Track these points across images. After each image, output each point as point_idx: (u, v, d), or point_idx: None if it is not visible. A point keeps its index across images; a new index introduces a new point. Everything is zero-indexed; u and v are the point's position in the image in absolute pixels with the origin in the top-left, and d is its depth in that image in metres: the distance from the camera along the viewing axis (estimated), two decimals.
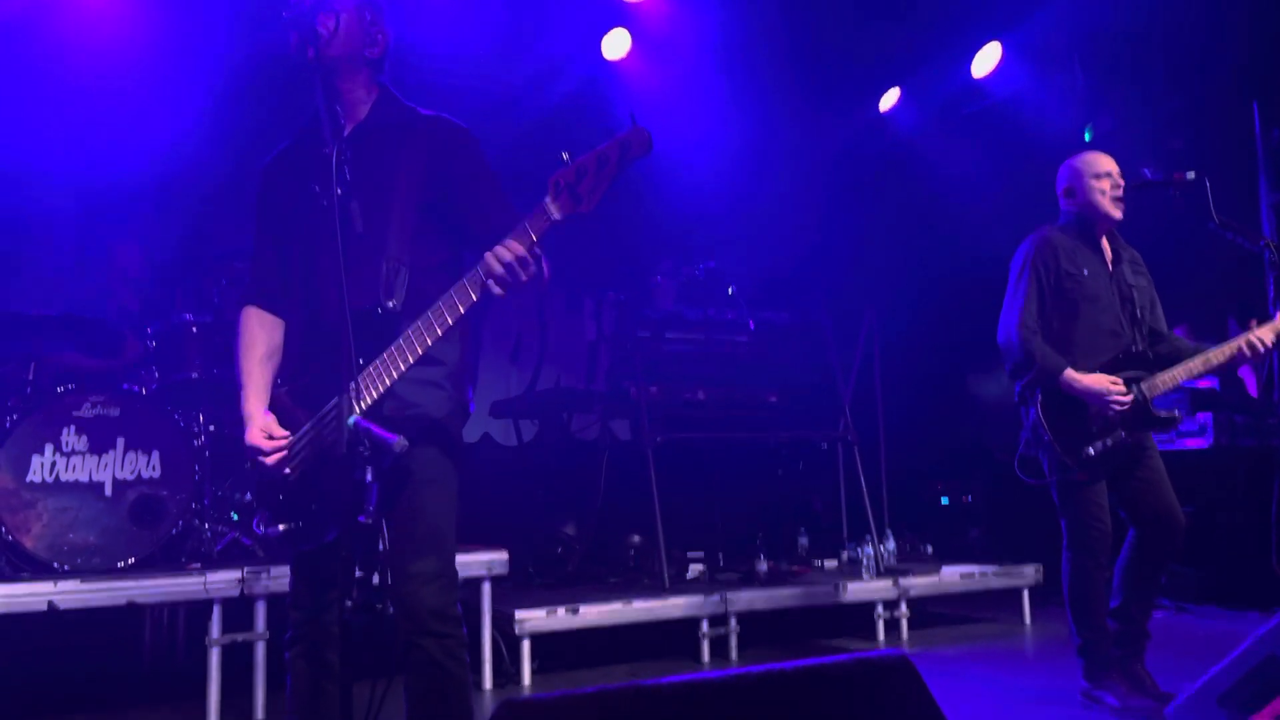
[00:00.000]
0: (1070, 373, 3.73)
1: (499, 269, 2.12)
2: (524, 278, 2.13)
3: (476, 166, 2.45)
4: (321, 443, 2.28)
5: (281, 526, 2.28)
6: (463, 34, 6.07)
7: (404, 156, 2.39)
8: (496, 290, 2.13)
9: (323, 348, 2.35)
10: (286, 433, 2.30)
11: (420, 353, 2.21)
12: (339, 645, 2.31)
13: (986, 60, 7.07)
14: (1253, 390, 6.62)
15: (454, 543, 2.41)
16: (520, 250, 2.12)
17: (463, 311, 2.18)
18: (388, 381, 2.22)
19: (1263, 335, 3.69)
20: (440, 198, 2.40)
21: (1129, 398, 3.70)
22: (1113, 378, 3.72)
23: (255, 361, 2.44)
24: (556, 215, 2.13)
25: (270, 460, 2.29)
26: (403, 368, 2.21)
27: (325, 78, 2.22)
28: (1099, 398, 3.69)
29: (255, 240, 2.57)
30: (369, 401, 2.17)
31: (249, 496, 4.50)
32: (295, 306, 2.47)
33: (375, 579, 1.91)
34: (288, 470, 2.30)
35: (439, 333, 2.19)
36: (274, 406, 2.38)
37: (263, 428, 2.31)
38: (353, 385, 2.02)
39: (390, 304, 2.26)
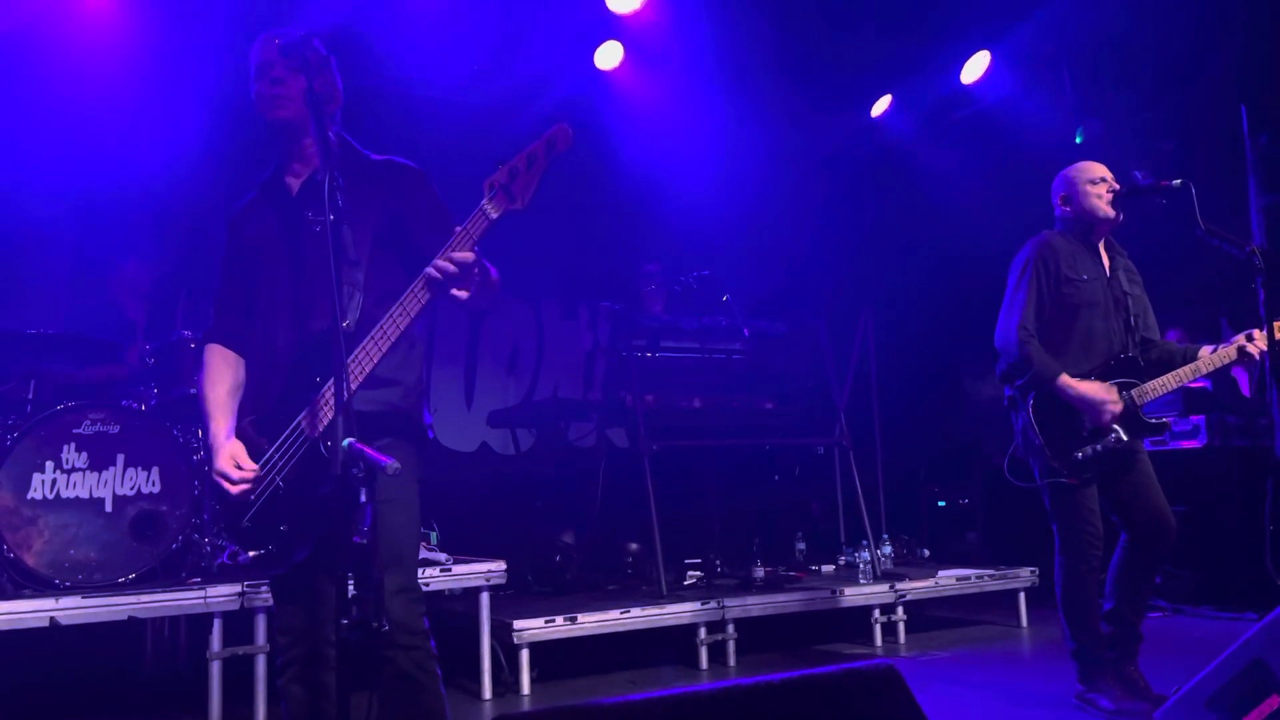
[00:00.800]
0: (1065, 378, 3.77)
1: (438, 277, 2.25)
2: (467, 282, 2.26)
3: (428, 200, 2.59)
4: (289, 465, 2.36)
5: (252, 554, 2.34)
6: (455, 45, 6.12)
7: (358, 195, 2.49)
8: (436, 279, 2.25)
9: (280, 374, 2.46)
10: (254, 465, 2.38)
11: (376, 361, 2.33)
12: (332, 664, 2.36)
13: (975, 67, 7.12)
14: (1245, 391, 6.65)
15: (417, 558, 2.51)
16: (462, 257, 2.25)
17: (414, 315, 2.32)
18: (346, 394, 2.28)
19: (1251, 347, 3.75)
20: (393, 231, 2.53)
21: (1120, 407, 3.74)
22: (1108, 386, 3.76)
23: (223, 393, 2.54)
24: (493, 214, 2.29)
25: (235, 490, 2.36)
26: (360, 378, 2.32)
27: (318, 112, 2.29)
28: (1093, 407, 3.73)
29: (221, 283, 2.69)
30: (326, 421, 2.26)
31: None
32: (255, 340, 2.57)
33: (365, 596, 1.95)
34: (252, 498, 2.37)
35: (393, 339, 2.32)
36: (239, 437, 2.46)
37: (231, 455, 2.39)
38: (344, 399, 2.05)
39: (345, 324, 2.33)
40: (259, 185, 2.67)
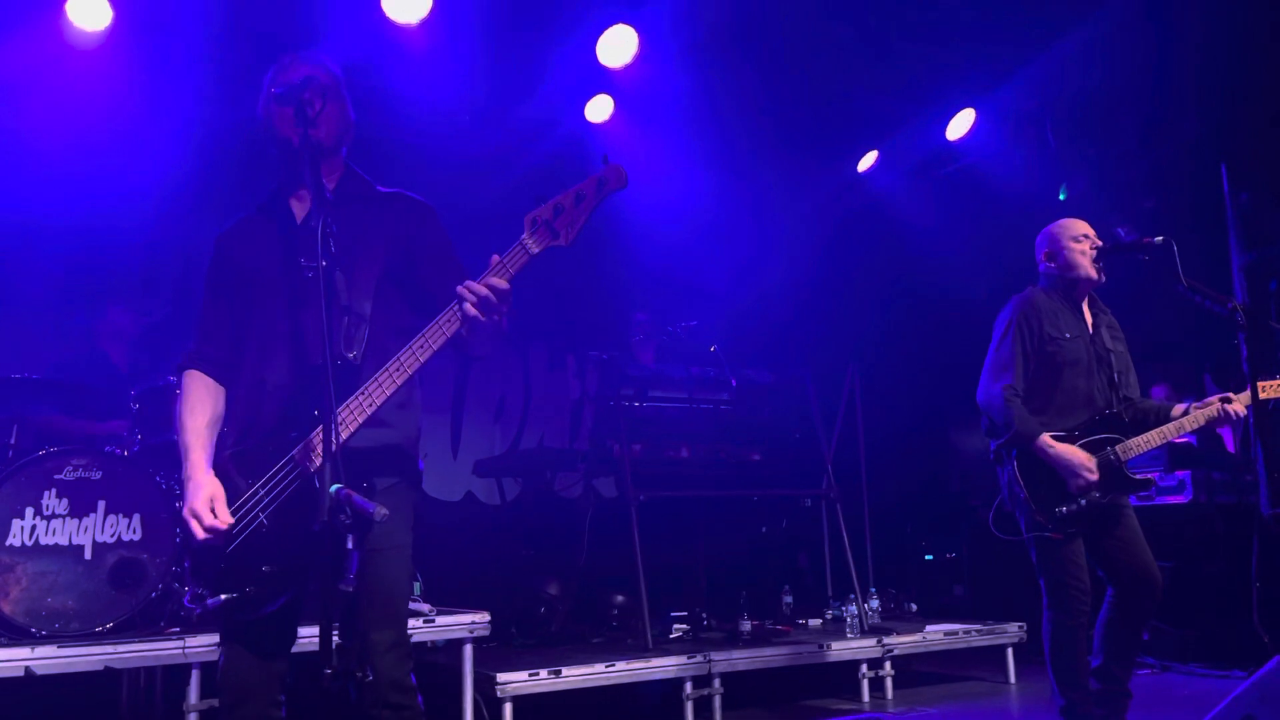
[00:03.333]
0: (1045, 439, 3.78)
1: (472, 298, 2.16)
2: (497, 314, 2.18)
3: (436, 237, 2.53)
4: (277, 502, 2.26)
5: (224, 597, 2.21)
6: (447, 94, 6.19)
7: (366, 226, 2.45)
8: (471, 312, 2.17)
9: (273, 407, 2.35)
10: (230, 519, 2.25)
11: (388, 394, 2.24)
12: None
13: (960, 124, 7.23)
14: (1230, 447, 6.69)
15: (408, 610, 2.43)
16: (500, 283, 2.18)
17: (436, 349, 2.24)
18: (350, 429, 2.23)
19: (1238, 408, 3.78)
20: (401, 266, 2.46)
21: (1095, 477, 3.74)
22: (1087, 454, 3.77)
23: (202, 424, 2.41)
24: (534, 249, 2.23)
25: (202, 536, 2.23)
26: (369, 410, 2.24)
27: (314, 154, 2.27)
28: (1068, 469, 3.74)
29: (204, 308, 2.57)
30: (321, 459, 2.11)
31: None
32: (244, 373, 2.46)
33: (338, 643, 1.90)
34: (228, 536, 2.25)
35: (409, 372, 2.25)
36: (216, 471, 2.34)
37: (210, 497, 2.26)
38: (331, 443, 1.99)
39: (350, 355, 2.29)
40: (256, 206, 2.57)
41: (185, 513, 2.26)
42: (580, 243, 2.31)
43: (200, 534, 2.23)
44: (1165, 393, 6.58)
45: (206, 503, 2.25)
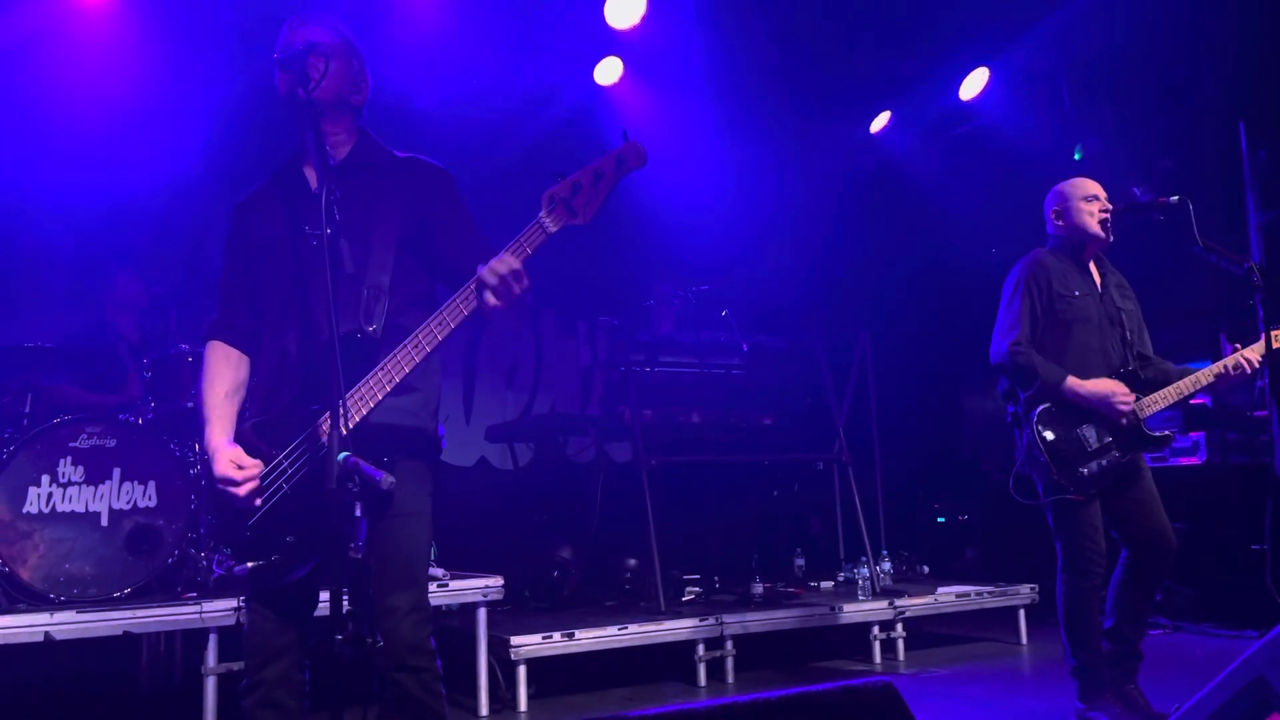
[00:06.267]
0: (1073, 380, 3.76)
1: (493, 280, 2.16)
2: (517, 290, 2.17)
3: (453, 204, 2.50)
4: (300, 474, 2.26)
5: (250, 564, 2.22)
6: (455, 59, 6.14)
7: (383, 194, 2.42)
8: (492, 301, 2.16)
9: (293, 380, 2.34)
10: (257, 462, 2.25)
11: (407, 371, 2.23)
12: (302, 689, 2.34)
13: (974, 83, 7.14)
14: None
15: (428, 575, 2.44)
16: (515, 264, 2.17)
17: (454, 327, 2.22)
18: (371, 404, 2.23)
19: (1248, 355, 3.76)
20: (418, 233, 2.43)
21: (1132, 398, 3.74)
22: (1116, 381, 3.76)
23: (221, 395, 2.41)
24: (552, 228, 2.21)
25: (242, 491, 2.22)
26: (388, 388, 2.23)
27: (315, 119, 2.25)
28: (1105, 401, 3.72)
29: (224, 276, 2.56)
30: (347, 429, 2.09)
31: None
32: (264, 343, 2.46)
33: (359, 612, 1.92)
34: (258, 502, 2.25)
35: (428, 350, 2.23)
36: (238, 441, 2.33)
37: (232, 458, 2.25)
38: (341, 415, 1.99)
39: (371, 329, 2.28)
40: (272, 173, 2.54)
41: (216, 485, 2.25)
42: (597, 220, 2.28)
43: (242, 491, 2.22)
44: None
45: (230, 464, 2.24)
